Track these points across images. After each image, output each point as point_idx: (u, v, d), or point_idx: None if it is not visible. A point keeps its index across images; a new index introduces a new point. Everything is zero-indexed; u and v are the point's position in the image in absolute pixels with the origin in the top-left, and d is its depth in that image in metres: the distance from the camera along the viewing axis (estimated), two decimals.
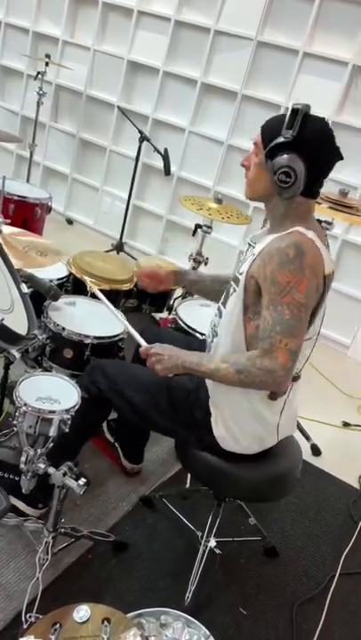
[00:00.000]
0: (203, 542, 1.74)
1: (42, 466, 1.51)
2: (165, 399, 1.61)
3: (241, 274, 1.47)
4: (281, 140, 1.36)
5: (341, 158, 1.42)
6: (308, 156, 1.36)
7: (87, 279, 2.07)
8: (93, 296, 2.33)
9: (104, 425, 2.17)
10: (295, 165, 1.36)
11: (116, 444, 2.13)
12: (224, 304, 1.57)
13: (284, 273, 1.34)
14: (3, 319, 1.47)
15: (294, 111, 1.34)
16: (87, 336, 2.03)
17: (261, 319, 1.39)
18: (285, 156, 1.36)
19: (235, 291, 1.51)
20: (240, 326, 1.48)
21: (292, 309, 1.34)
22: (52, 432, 1.51)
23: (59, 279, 2.34)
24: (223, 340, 1.54)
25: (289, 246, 1.36)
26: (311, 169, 1.37)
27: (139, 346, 1.64)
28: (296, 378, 1.53)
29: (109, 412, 1.84)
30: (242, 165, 1.51)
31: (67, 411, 1.51)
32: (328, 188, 2.15)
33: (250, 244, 1.58)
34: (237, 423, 1.54)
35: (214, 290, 1.84)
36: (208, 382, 1.59)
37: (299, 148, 1.36)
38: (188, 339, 2.09)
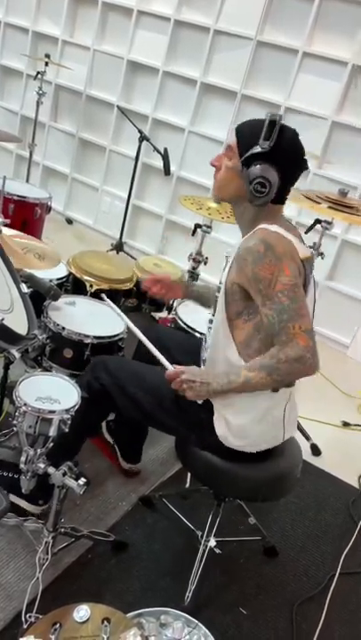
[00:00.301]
0: (202, 542, 1.74)
1: (42, 466, 1.51)
2: (169, 398, 1.61)
3: (222, 283, 1.52)
4: (258, 149, 1.40)
5: (307, 168, 1.49)
6: (283, 167, 1.42)
7: (104, 297, 2.05)
8: (94, 295, 2.33)
9: (103, 425, 2.17)
10: (270, 176, 1.41)
11: (115, 445, 2.13)
12: (214, 315, 1.60)
13: (263, 267, 1.38)
14: (3, 319, 1.47)
15: (272, 122, 1.38)
16: (87, 336, 2.03)
17: (263, 318, 1.41)
18: (261, 166, 1.41)
19: (217, 297, 1.54)
20: (228, 334, 1.51)
21: (287, 294, 1.37)
22: (52, 432, 1.51)
23: (58, 279, 2.34)
24: (213, 350, 1.57)
25: (256, 244, 1.40)
26: (284, 178, 1.43)
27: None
28: None
29: (110, 410, 1.84)
30: (211, 165, 1.55)
31: (66, 410, 1.51)
32: (328, 187, 2.15)
33: (227, 257, 1.60)
34: (242, 422, 1.54)
35: (209, 299, 1.88)
36: None
37: (275, 158, 1.41)
38: (188, 336, 2.10)
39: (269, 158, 1.40)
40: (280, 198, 1.48)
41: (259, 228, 1.44)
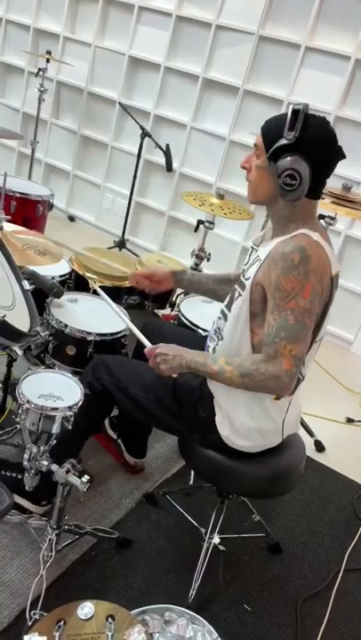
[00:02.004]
0: (206, 539, 1.74)
1: (45, 463, 1.51)
2: (170, 397, 1.61)
3: (247, 279, 1.46)
4: (284, 142, 1.34)
5: (344, 157, 1.40)
6: (312, 157, 1.34)
7: (89, 276, 2.06)
8: (96, 293, 2.33)
9: (106, 421, 2.16)
10: (300, 167, 1.33)
11: (119, 440, 2.13)
12: (228, 307, 1.56)
13: (288, 279, 1.33)
14: (4, 316, 1.47)
15: (295, 112, 1.32)
16: (90, 333, 2.02)
17: (265, 323, 1.39)
18: (289, 158, 1.34)
19: (240, 295, 1.49)
20: (246, 332, 1.47)
21: (296, 315, 1.34)
22: (55, 429, 1.51)
23: (61, 276, 2.34)
24: (228, 345, 1.53)
25: (293, 251, 1.34)
26: (315, 170, 1.35)
27: (143, 346, 1.63)
28: (299, 380, 1.53)
29: (112, 408, 1.84)
30: (242, 167, 1.49)
31: (69, 408, 1.51)
32: (331, 182, 2.14)
33: (253, 248, 1.57)
34: (242, 422, 1.53)
35: (213, 289, 1.85)
36: (209, 385, 1.58)
37: (302, 149, 1.33)
38: (192, 333, 2.08)
39: (297, 149, 1.33)
40: (314, 192, 1.40)
41: (300, 232, 1.38)
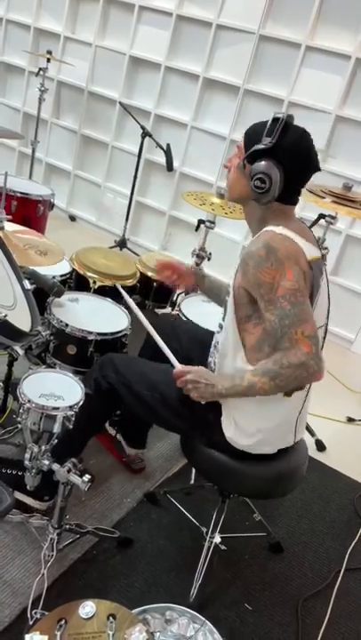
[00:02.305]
0: (208, 538, 1.74)
1: (46, 462, 1.51)
2: (175, 396, 1.60)
3: (230, 287, 1.51)
4: (260, 146, 1.40)
5: (318, 170, 1.45)
6: (286, 164, 1.40)
7: (120, 288, 2.01)
8: (97, 292, 2.33)
9: None
10: (271, 172, 1.39)
11: (118, 435, 2.12)
12: (223, 318, 1.58)
13: (263, 272, 1.36)
14: (6, 315, 1.47)
15: (275, 120, 1.38)
16: (90, 332, 2.03)
17: (267, 323, 1.40)
18: (263, 162, 1.40)
19: (228, 304, 1.53)
20: (237, 339, 1.49)
21: (289, 299, 1.35)
22: (56, 428, 1.51)
23: (62, 275, 2.34)
24: (227, 357, 1.54)
25: (259, 248, 1.38)
26: (288, 176, 1.41)
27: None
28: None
29: (117, 407, 1.84)
30: (224, 167, 1.56)
31: (70, 407, 1.51)
32: (332, 182, 2.14)
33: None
34: (251, 423, 1.53)
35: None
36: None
37: (276, 155, 1.39)
38: (204, 329, 2.06)
39: (272, 155, 1.39)
40: (289, 198, 1.46)
41: (264, 230, 1.43)
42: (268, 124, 1.39)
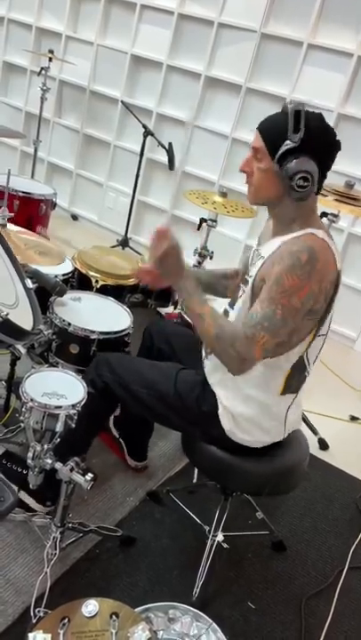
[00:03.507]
0: (210, 536, 1.74)
1: (49, 461, 1.51)
2: (171, 392, 1.61)
3: (251, 277, 1.48)
4: (291, 145, 1.34)
5: (340, 149, 1.41)
6: (319, 156, 1.36)
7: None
8: (99, 291, 2.33)
9: (110, 419, 2.16)
10: (310, 168, 1.35)
11: (121, 440, 2.13)
12: (232, 305, 1.57)
13: (291, 276, 1.34)
14: (7, 314, 1.47)
15: (297, 113, 1.33)
16: (93, 331, 2.03)
17: (253, 306, 1.39)
18: (298, 159, 1.34)
19: (243, 292, 1.51)
20: None
21: (284, 312, 1.35)
22: (59, 427, 1.51)
23: (64, 275, 2.34)
24: None
25: (302, 250, 1.35)
26: (321, 166, 1.37)
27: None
28: (305, 377, 1.55)
29: (116, 406, 1.84)
30: (242, 171, 1.48)
31: (73, 406, 1.51)
32: (334, 180, 2.13)
33: (255, 249, 1.57)
34: (245, 416, 1.54)
35: (212, 284, 1.84)
36: (215, 376, 1.58)
37: (308, 149, 1.34)
38: (192, 334, 2.08)
39: (304, 150, 1.34)
40: (318, 188, 1.42)
41: (308, 232, 1.39)
42: (291, 118, 1.32)
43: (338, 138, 1.39)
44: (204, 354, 1.68)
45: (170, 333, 1.95)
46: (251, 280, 1.46)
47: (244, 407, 1.53)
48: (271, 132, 1.39)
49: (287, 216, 1.45)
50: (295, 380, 1.52)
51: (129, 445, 2.12)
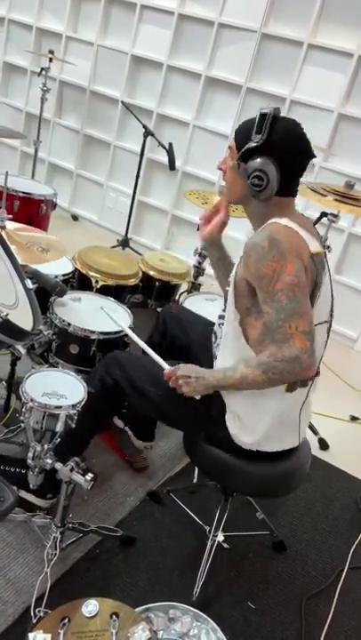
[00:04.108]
0: (210, 536, 1.74)
1: (49, 461, 1.52)
2: (179, 393, 1.60)
3: (232, 275, 1.50)
4: (252, 144, 1.40)
5: (313, 157, 1.45)
6: (279, 158, 1.40)
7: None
8: (99, 291, 2.34)
9: None
10: (266, 168, 1.40)
11: (126, 427, 2.12)
12: (224, 310, 1.58)
13: (265, 264, 1.36)
14: (7, 315, 1.47)
15: (262, 115, 1.39)
16: (93, 332, 2.03)
17: (264, 315, 1.40)
18: (257, 160, 1.41)
19: (228, 296, 1.53)
20: (238, 332, 1.49)
21: (287, 293, 1.34)
22: (59, 427, 1.51)
23: (64, 275, 2.34)
24: (229, 349, 1.54)
25: (262, 239, 1.38)
26: (284, 169, 1.41)
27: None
28: (316, 373, 1.53)
29: (122, 405, 1.84)
30: (218, 169, 1.55)
31: (73, 406, 1.52)
32: (334, 180, 2.13)
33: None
34: (256, 423, 1.53)
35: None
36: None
37: (269, 150, 1.40)
38: (207, 320, 2.05)
39: (265, 151, 1.40)
40: (288, 190, 1.45)
41: (268, 222, 1.43)
42: (256, 120, 1.40)
43: (309, 147, 1.43)
44: (214, 354, 1.67)
45: (184, 320, 1.95)
46: (232, 281, 1.50)
47: (254, 410, 1.52)
48: (241, 132, 1.46)
49: (258, 215, 1.50)
50: None
51: (136, 427, 2.09)
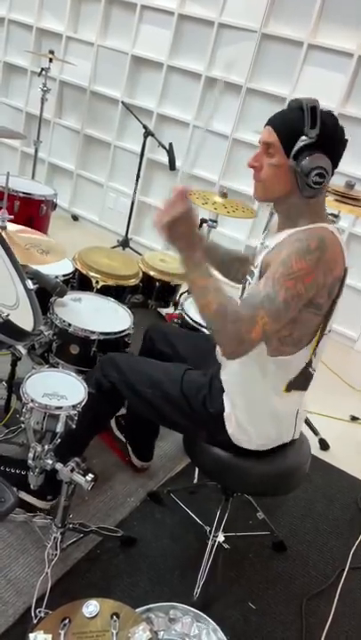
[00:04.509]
0: (211, 537, 1.74)
1: (49, 462, 1.52)
2: (177, 393, 1.60)
3: (256, 266, 1.47)
4: (308, 140, 1.33)
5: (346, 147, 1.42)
6: (332, 153, 1.36)
7: None
8: (99, 291, 2.34)
9: (113, 423, 2.16)
10: (325, 164, 1.34)
11: (127, 442, 2.13)
12: (241, 298, 1.56)
13: (299, 260, 1.32)
14: (8, 315, 1.47)
15: (313, 109, 1.32)
16: (93, 332, 2.03)
17: (257, 285, 1.36)
18: (313, 155, 1.33)
19: (250, 284, 1.50)
20: None
21: (287, 295, 1.32)
22: (59, 428, 1.51)
23: (64, 275, 2.34)
24: None
25: (312, 238, 1.34)
26: (333, 163, 1.37)
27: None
28: (311, 374, 1.54)
29: (120, 406, 1.84)
30: (251, 167, 1.45)
31: (73, 406, 1.51)
32: (334, 180, 2.13)
33: (261, 243, 1.57)
34: (252, 421, 1.53)
35: (226, 264, 1.79)
36: (222, 377, 1.58)
37: (323, 145, 1.34)
38: (195, 334, 2.09)
39: (319, 146, 1.33)
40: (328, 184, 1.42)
41: (319, 225, 1.39)
42: (308, 114, 1.32)
43: (346, 140, 1.40)
44: (219, 359, 1.67)
45: (171, 335, 1.94)
46: (257, 270, 1.45)
47: (252, 411, 1.52)
48: (286, 127, 1.37)
49: (294, 212, 1.44)
50: (304, 374, 1.52)
51: (135, 446, 2.11)
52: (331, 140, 1.35)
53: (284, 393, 1.50)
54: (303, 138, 1.33)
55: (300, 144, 1.34)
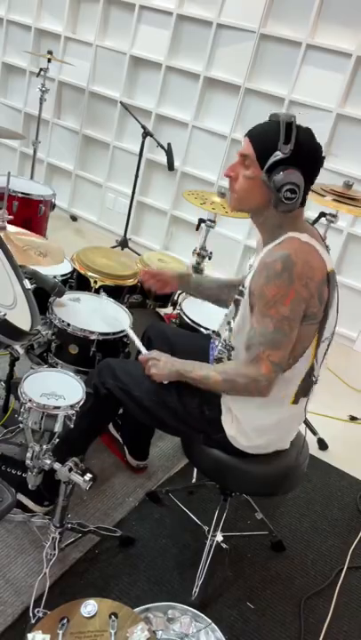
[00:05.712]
0: (209, 537, 1.74)
1: (47, 462, 1.52)
2: (174, 398, 1.60)
3: (245, 288, 1.49)
4: (281, 156, 1.34)
5: (323, 165, 1.44)
6: (306, 169, 1.38)
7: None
8: (97, 292, 2.34)
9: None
10: (298, 180, 1.36)
11: (122, 440, 2.13)
12: (233, 317, 1.57)
13: (270, 287, 1.36)
14: (5, 315, 1.47)
15: (288, 124, 1.34)
16: (92, 332, 2.03)
17: (250, 325, 1.42)
18: (287, 171, 1.35)
19: (240, 303, 1.52)
20: None
21: (275, 323, 1.36)
22: (57, 428, 1.51)
23: (63, 275, 2.34)
24: (240, 354, 1.53)
25: (276, 260, 1.36)
26: (307, 180, 1.39)
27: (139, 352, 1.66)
28: (312, 382, 1.54)
29: (117, 412, 1.84)
30: (227, 176, 1.47)
31: (71, 406, 1.51)
32: (333, 180, 2.13)
33: (250, 265, 1.58)
34: (251, 425, 1.54)
35: (216, 294, 1.86)
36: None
37: (297, 161, 1.35)
38: (194, 334, 2.09)
39: (292, 161, 1.35)
40: (303, 200, 1.42)
41: (288, 236, 1.40)
42: (282, 129, 1.33)
43: (323, 158, 1.42)
44: (211, 356, 1.68)
45: (170, 335, 1.95)
46: (246, 291, 1.48)
47: (252, 415, 1.53)
48: (262, 140, 1.39)
49: (271, 225, 1.46)
50: (306, 383, 1.53)
51: (130, 445, 2.11)
52: (305, 156, 1.37)
53: (292, 405, 1.52)
54: (277, 153, 1.35)
55: (273, 158, 1.35)
